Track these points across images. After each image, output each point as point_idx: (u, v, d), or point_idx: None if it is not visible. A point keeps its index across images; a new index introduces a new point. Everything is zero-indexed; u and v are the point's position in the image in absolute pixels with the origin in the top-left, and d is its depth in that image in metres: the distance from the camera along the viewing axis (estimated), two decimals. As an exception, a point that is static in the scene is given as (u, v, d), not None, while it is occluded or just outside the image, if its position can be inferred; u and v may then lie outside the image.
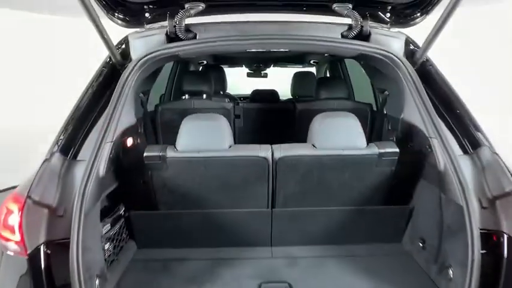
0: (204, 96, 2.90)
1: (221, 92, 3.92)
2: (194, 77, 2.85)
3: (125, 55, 1.98)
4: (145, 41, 1.93)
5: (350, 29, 1.92)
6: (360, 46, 1.83)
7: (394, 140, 2.36)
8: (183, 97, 3.08)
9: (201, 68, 4.27)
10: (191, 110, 2.77)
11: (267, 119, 2.89)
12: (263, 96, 3.28)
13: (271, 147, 1.81)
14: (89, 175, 1.49)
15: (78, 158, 1.61)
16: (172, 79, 3.85)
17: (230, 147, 1.79)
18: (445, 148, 1.56)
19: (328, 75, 4.82)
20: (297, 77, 3.89)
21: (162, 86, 3.95)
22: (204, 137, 1.78)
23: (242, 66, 4.83)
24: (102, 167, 1.57)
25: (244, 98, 5.36)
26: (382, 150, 1.78)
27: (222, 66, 4.56)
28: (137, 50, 1.91)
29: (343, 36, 1.92)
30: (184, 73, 3.26)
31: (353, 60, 4.11)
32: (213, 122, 1.84)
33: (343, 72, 4.00)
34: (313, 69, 5.00)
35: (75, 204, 1.40)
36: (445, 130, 1.64)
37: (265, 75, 4.96)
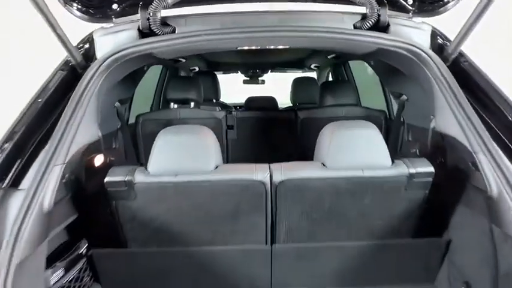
0: (192, 104, 2.53)
1: (214, 101, 3.56)
2: (180, 83, 2.49)
3: (90, 56, 1.62)
4: (114, 38, 1.57)
5: (364, 19, 1.57)
6: (380, 39, 1.46)
7: (417, 152, 1.99)
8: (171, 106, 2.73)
9: (192, 74, 3.92)
10: (176, 121, 2.39)
11: (265, 129, 2.52)
12: (259, 104, 2.91)
13: (270, 167, 1.42)
14: (28, 209, 1.12)
15: (20, 187, 1.24)
16: (161, 87, 3.49)
17: (217, 167, 1.41)
18: (497, 166, 1.19)
19: (326, 79, 4.48)
20: (297, 82, 3.54)
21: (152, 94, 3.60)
22: (183, 155, 1.40)
23: (237, 73, 4.47)
24: (48, 197, 1.19)
25: (240, 107, 5.03)
26: (413, 170, 1.39)
27: (215, 72, 4.24)
28: (103, 49, 1.55)
29: (355, 27, 1.57)
30: (170, 79, 2.88)
31: (358, 62, 3.81)
32: (195, 137, 1.45)
33: (348, 76, 3.64)
34: (313, 75, 4.66)
35: (1, 251, 1.03)
36: (494, 143, 1.27)
37: (263, 82, 4.60)
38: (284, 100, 5.38)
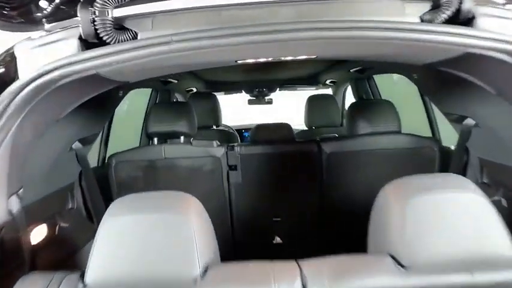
0: (182, 139, 1.95)
1: (214, 127, 2.97)
2: (163, 111, 1.91)
3: (9, 81, 1.05)
4: (44, 53, 1.01)
5: (437, 8, 0.98)
6: (477, 39, 0.88)
7: (503, 202, 1.37)
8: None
9: (188, 97, 3.36)
10: (160, 162, 1.80)
11: (278, 169, 1.91)
12: (271, 134, 2.25)
13: (301, 270, 0.80)
14: None
15: None
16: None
17: (206, 271, 0.80)
18: None
19: (342, 96, 3.89)
20: (313, 101, 2.95)
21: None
22: (145, 253, 0.79)
23: (240, 92, 3.91)
24: None
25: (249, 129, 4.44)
26: None
27: (216, 93, 3.70)
28: (27, 71, 0.99)
29: (424, 21, 0.98)
30: (152, 107, 2.25)
31: (383, 75, 3.23)
32: (167, 217, 0.84)
33: (374, 93, 3.05)
34: (328, 91, 4.08)
35: None
36: None
37: (270, 101, 4.01)
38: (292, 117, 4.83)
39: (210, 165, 1.83)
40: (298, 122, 5.14)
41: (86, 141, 1.63)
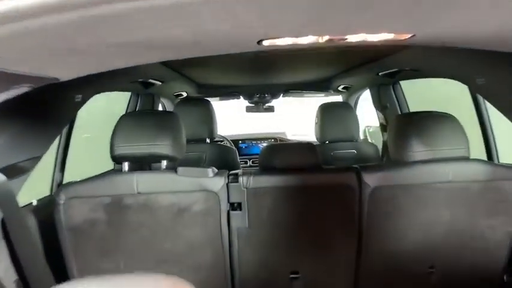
0: (164, 164, 1.37)
1: (207, 140, 2.42)
2: (135, 123, 1.31)
3: None
4: None
5: None
6: None
7: None
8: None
9: (176, 103, 2.79)
10: (131, 198, 1.25)
11: (300, 209, 1.36)
12: (289, 160, 1.49)
13: None
14: None
15: None
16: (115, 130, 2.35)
17: None
18: None
19: (354, 105, 3.40)
20: (328, 111, 2.44)
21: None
22: None
23: (238, 98, 3.37)
24: None
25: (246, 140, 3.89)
26: None
27: (209, 99, 3.15)
28: None
29: None
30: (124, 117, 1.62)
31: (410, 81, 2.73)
32: None
33: (400, 102, 2.54)
34: (338, 98, 3.57)
35: None
36: None
37: (270, 109, 3.47)
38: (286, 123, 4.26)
39: (203, 203, 1.28)
40: (296, 132, 4.66)
41: (15, 171, 1.06)
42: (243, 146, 3.90)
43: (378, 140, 3.59)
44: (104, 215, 1.26)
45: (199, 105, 2.35)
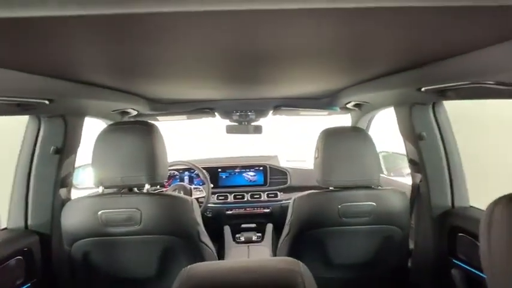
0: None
1: (145, 188, 1.55)
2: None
3: None
4: None
5: None
6: None
7: None
8: None
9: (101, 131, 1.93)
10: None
11: None
12: None
13: None
14: None
15: None
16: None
17: None
18: None
19: (369, 127, 2.59)
20: (332, 140, 1.63)
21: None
22: None
23: (213, 115, 2.53)
24: None
25: (227, 168, 3.00)
26: None
27: (170, 117, 2.34)
28: None
29: None
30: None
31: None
32: None
33: (443, 131, 1.71)
34: (344, 118, 2.75)
35: None
36: None
37: (258, 130, 2.62)
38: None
39: None
40: (291, 157, 3.69)
41: None
42: (223, 175, 3.05)
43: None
44: None
45: (135, 133, 1.50)
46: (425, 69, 1.11)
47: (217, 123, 2.74)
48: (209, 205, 2.88)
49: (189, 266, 0.67)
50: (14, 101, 1.06)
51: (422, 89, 1.26)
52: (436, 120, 1.68)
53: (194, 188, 2.74)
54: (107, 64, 1.10)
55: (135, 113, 2.12)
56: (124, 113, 2.06)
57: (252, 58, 0.97)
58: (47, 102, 1.17)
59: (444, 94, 1.25)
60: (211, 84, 1.55)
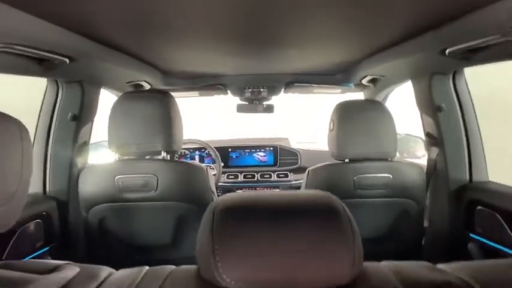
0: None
1: (162, 155, 1.55)
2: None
3: None
4: None
5: None
6: None
7: None
8: None
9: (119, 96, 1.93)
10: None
11: None
12: None
13: None
14: None
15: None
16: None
17: None
18: None
19: (381, 101, 2.54)
20: (347, 112, 1.62)
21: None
22: None
23: (226, 93, 2.51)
24: None
25: (238, 148, 3.02)
26: None
27: (181, 93, 2.31)
28: None
29: None
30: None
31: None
32: None
33: (462, 102, 1.67)
34: (357, 95, 2.70)
35: None
36: None
37: (270, 109, 2.60)
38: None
39: None
40: (302, 139, 3.67)
41: None
42: (233, 155, 3.04)
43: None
44: None
45: (152, 101, 1.49)
46: (449, 27, 1.07)
47: (228, 108, 2.71)
48: (220, 184, 2.88)
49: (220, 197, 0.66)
50: (35, 53, 1.05)
51: (447, 51, 1.22)
52: (456, 92, 1.65)
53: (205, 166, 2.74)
54: (125, 23, 1.08)
55: (148, 87, 2.11)
56: (138, 86, 2.05)
57: (267, 13, 0.95)
58: (67, 60, 1.16)
59: (470, 57, 1.21)
60: (223, 50, 1.52)
